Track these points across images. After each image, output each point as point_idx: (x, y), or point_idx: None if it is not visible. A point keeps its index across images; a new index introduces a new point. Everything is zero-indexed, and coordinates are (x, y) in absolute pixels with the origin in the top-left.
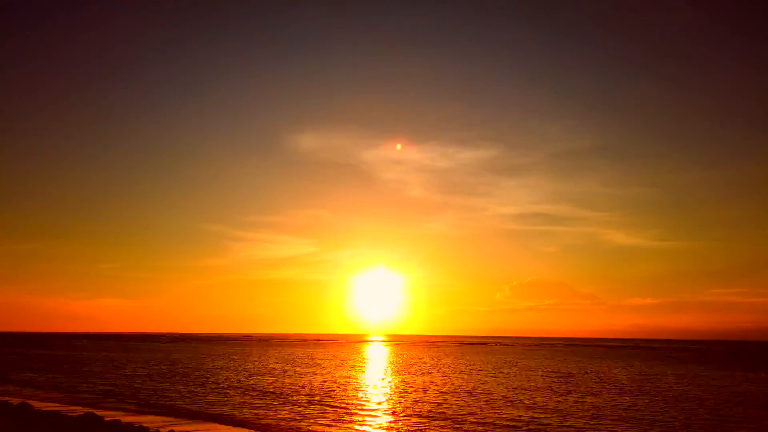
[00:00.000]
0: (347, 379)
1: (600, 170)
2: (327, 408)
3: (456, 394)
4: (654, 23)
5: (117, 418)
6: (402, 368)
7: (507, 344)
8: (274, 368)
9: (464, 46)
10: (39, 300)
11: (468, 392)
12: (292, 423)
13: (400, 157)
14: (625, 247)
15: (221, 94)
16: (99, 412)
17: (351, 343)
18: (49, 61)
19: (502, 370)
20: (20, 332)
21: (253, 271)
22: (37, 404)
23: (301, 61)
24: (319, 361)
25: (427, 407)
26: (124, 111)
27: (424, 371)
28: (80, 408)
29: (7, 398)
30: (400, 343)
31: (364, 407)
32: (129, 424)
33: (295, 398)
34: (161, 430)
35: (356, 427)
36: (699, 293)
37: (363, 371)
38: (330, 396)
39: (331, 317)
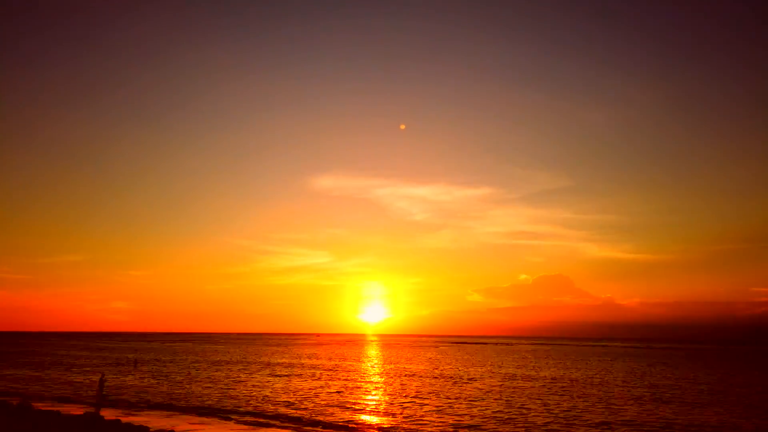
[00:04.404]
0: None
1: (573, 203)
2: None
3: None
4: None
5: (117, 418)
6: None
7: (508, 344)
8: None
9: (465, 108)
10: (75, 303)
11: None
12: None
13: (408, 193)
14: (599, 258)
15: (260, 142)
16: (100, 412)
17: (362, 343)
18: (94, 81)
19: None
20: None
21: (272, 277)
22: (38, 404)
23: (324, 119)
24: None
25: None
26: (173, 145)
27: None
28: (80, 407)
29: (7, 398)
30: (419, 343)
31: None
32: (128, 424)
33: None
34: (161, 430)
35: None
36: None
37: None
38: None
39: (336, 318)
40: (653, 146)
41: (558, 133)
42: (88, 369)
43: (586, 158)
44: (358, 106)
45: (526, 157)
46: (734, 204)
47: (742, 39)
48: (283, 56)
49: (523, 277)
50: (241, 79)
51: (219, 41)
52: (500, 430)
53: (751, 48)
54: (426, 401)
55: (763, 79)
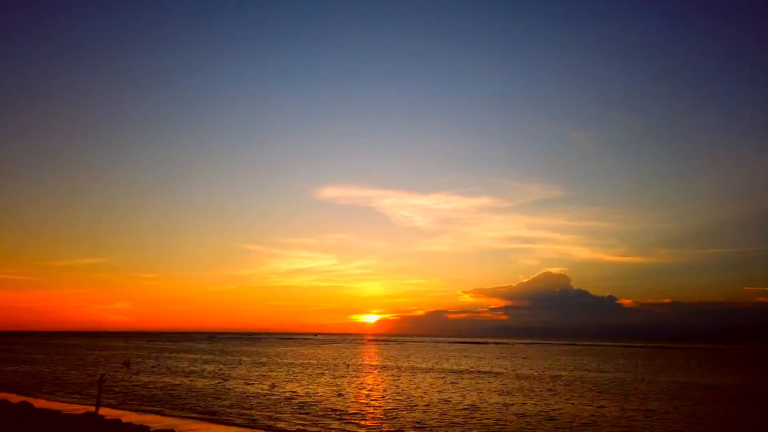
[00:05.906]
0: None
1: (565, 212)
2: None
3: None
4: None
5: (117, 418)
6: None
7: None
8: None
9: (465, 126)
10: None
11: None
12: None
13: (410, 202)
14: (592, 260)
15: (270, 153)
16: (100, 411)
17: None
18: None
19: None
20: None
21: (276, 279)
22: (38, 403)
23: (331, 133)
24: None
25: None
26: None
27: None
28: (80, 407)
29: (6, 398)
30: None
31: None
32: (128, 424)
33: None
34: (161, 430)
35: None
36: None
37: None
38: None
39: (337, 319)
40: (635, 162)
41: (550, 149)
42: (88, 367)
43: (576, 171)
44: (363, 121)
45: (521, 170)
46: (718, 210)
47: (710, 72)
48: (293, 73)
49: (521, 277)
50: (252, 95)
51: (237, 59)
52: None
53: (724, 75)
54: None
55: (740, 94)
